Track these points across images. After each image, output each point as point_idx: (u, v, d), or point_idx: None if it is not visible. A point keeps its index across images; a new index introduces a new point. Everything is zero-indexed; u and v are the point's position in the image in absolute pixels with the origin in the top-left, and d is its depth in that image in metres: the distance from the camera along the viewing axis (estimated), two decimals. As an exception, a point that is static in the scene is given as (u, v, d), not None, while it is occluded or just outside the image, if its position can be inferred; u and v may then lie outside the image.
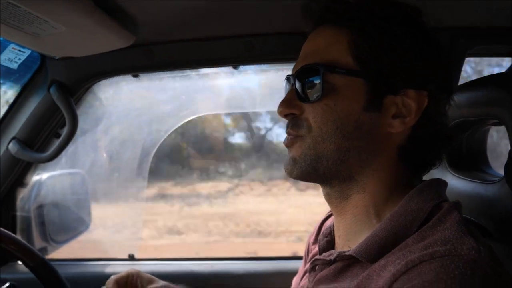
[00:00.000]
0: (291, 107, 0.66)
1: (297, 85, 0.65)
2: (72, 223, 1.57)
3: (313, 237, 0.83)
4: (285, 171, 0.67)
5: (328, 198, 0.68)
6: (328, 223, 0.80)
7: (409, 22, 0.64)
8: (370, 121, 0.62)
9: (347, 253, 0.61)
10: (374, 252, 0.57)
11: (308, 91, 0.64)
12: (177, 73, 1.38)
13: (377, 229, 0.59)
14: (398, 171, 0.64)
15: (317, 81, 0.62)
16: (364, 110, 0.61)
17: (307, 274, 0.71)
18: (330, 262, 0.64)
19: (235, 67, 1.31)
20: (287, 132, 0.67)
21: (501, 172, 0.72)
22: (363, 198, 0.64)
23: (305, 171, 0.64)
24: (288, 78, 0.71)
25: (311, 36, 0.68)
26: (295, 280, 0.90)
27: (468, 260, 0.48)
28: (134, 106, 1.57)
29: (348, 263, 0.61)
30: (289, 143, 0.66)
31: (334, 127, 0.61)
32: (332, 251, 0.67)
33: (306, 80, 0.64)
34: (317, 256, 0.69)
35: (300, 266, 0.89)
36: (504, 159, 0.70)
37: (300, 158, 0.64)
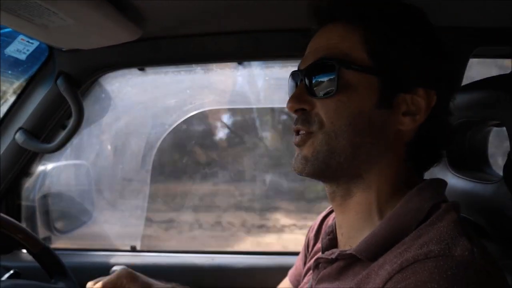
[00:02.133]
0: (302, 102, 0.64)
1: (308, 80, 0.64)
2: (75, 214, 1.58)
3: (313, 232, 0.83)
4: (294, 170, 0.66)
5: (333, 196, 0.67)
6: (330, 220, 0.80)
7: (418, 22, 0.64)
8: (382, 118, 0.62)
9: (347, 252, 0.61)
10: (374, 251, 0.58)
11: (320, 86, 0.63)
12: (183, 68, 1.39)
13: (377, 228, 0.60)
14: (403, 169, 0.64)
15: (331, 76, 0.62)
16: (376, 107, 0.61)
17: (311, 271, 0.72)
18: (332, 261, 0.65)
19: (240, 63, 1.32)
20: (297, 129, 0.65)
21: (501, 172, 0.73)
22: (367, 196, 0.64)
23: (318, 168, 0.63)
24: (293, 73, 0.70)
25: (320, 32, 0.67)
26: (290, 272, 0.91)
27: (461, 261, 0.49)
28: (139, 99, 1.58)
29: (349, 261, 0.62)
30: (300, 142, 0.65)
31: (347, 123, 0.61)
32: (334, 250, 0.67)
33: (319, 75, 0.63)
34: (320, 255, 0.69)
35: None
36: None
37: (312, 156, 0.63)
